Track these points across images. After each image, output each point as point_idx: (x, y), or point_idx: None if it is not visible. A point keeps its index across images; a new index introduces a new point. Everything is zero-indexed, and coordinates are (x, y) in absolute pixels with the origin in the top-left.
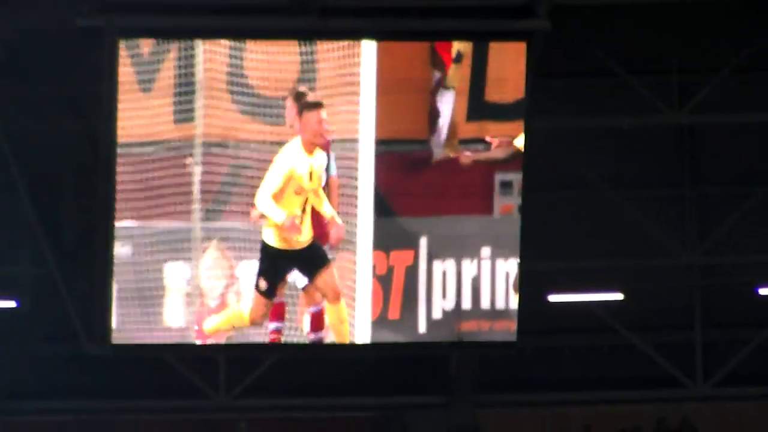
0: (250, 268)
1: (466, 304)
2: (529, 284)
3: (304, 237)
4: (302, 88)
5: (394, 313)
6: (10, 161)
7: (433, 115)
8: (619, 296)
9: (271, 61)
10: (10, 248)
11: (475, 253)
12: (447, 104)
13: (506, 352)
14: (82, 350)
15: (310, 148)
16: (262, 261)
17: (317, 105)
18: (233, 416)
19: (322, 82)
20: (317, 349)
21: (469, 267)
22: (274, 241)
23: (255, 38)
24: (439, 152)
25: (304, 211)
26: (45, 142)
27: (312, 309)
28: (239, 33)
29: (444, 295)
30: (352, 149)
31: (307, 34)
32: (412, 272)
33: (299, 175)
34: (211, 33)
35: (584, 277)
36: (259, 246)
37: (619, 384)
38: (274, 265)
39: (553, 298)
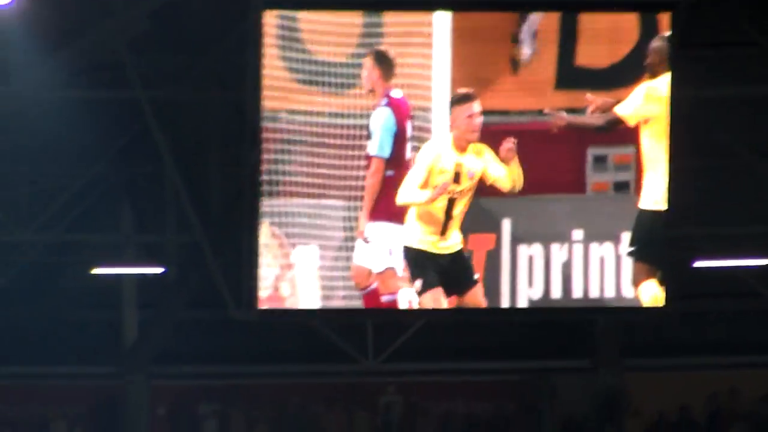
0: (306, 254)
1: (556, 292)
2: (675, 250)
3: (451, 242)
4: (381, 47)
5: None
6: (156, 130)
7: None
8: (765, 261)
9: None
10: (156, 216)
11: (565, 237)
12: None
13: (654, 317)
14: (229, 316)
15: (461, 144)
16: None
17: (468, 97)
18: (381, 380)
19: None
20: (465, 313)
21: (558, 252)
22: (416, 241)
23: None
24: (523, 119)
25: (450, 216)
26: (191, 112)
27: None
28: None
29: (530, 283)
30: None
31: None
32: (493, 257)
33: (445, 173)
34: (358, 4)
35: (730, 243)
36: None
37: (765, 348)
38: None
39: (699, 263)
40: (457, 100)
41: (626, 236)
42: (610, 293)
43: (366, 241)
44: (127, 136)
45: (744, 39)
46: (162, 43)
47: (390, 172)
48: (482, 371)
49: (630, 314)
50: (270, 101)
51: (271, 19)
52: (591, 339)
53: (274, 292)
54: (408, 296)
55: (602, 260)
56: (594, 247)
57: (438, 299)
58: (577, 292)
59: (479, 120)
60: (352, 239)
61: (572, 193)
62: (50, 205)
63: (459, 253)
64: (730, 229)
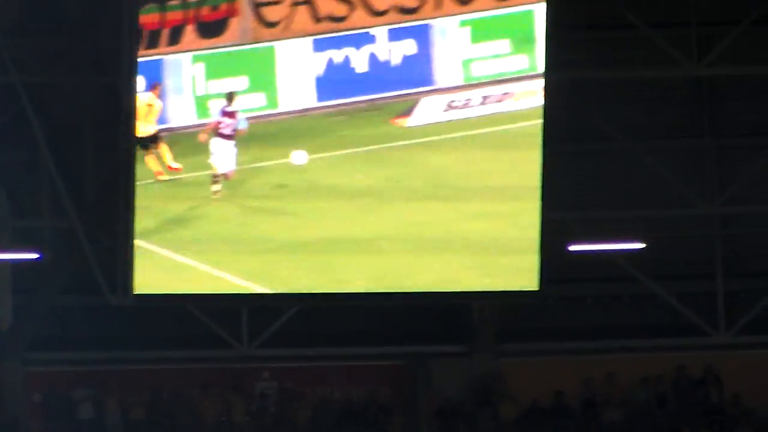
0: None
1: None
2: (551, 234)
3: None
4: None
5: None
6: (30, 115)
7: None
8: (640, 246)
9: None
10: (31, 201)
11: None
12: None
13: (529, 301)
14: (104, 301)
15: None
16: None
17: None
18: (257, 365)
19: None
20: (341, 298)
21: None
22: None
23: None
24: None
25: None
26: (65, 96)
27: None
28: None
29: None
30: None
31: None
32: None
33: None
34: None
35: (606, 227)
36: None
37: (641, 333)
38: None
39: (574, 247)
40: None
41: None
42: None
43: None
44: (1, 121)
45: (618, 22)
46: (36, 28)
47: None
48: (357, 356)
49: (505, 298)
50: None
51: None
52: (467, 324)
53: None
54: None
55: None
56: None
57: None
58: None
59: None
60: None
61: None
62: None
63: None
64: (605, 213)
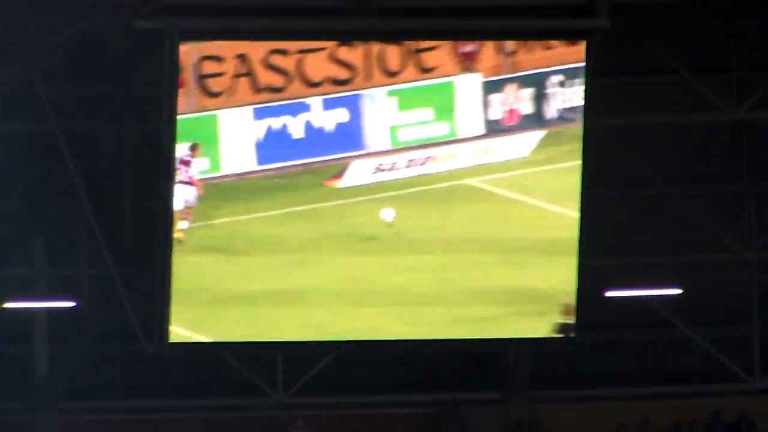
0: None
1: None
2: (587, 280)
3: None
4: None
5: None
6: (69, 161)
7: None
8: (676, 291)
9: None
10: (69, 249)
11: None
12: None
13: (565, 348)
14: (141, 350)
15: None
16: None
17: None
18: (291, 414)
19: None
20: (371, 345)
21: None
22: None
23: (313, 39)
24: None
25: None
26: (104, 143)
27: None
28: (297, 34)
29: None
30: None
31: (365, 35)
32: None
33: None
34: (268, 34)
35: (642, 272)
36: None
37: (676, 378)
38: None
39: (610, 293)
40: None
41: None
42: None
43: None
44: (40, 168)
45: (656, 66)
46: (76, 74)
47: None
48: (392, 404)
49: (541, 345)
50: None
51: None
52: (502, 371)
53: None
54: None
55: None
56: None
57: None
58: None
59: None
60: None
61: None
62: None
63: None
64: (642, 259)
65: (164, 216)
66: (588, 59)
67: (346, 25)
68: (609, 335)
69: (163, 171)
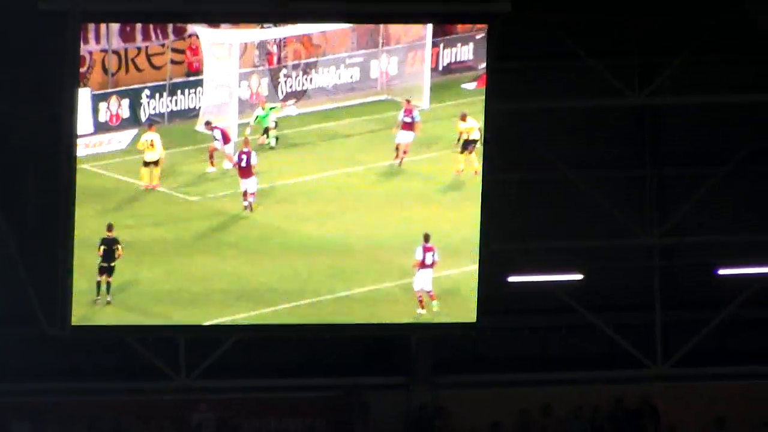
0: None
1: None
2: (489, 265)
3: None
4: None
5: None
6: None
7: None
8: (579, 277)
9: None
10: None
11: None
12: None
13: (467, 333)
14: (42, 332)
15: None
16: None
17: None
18: (194, 397)
19: None
20: (274, 329)
21: None
22: None
23: (217, 22)
24: None
25: None
26: (6, 126)
27: None
28: (202, 17)
29: None
30: None
31: (270, 18)
32: None
33: None
34: (174, 17)
35: (544, 257)
36: None
37: (578, 364)
38: None
39: (513, 278)
40: None
41: None
42: None
43: None
44: None
45: (560, 50)
46: None
47: None
48: (294, 388)
49: (443, 330)
50: None
51: None
52: (405, 355)
53: None
54: None
55: None
56: None
57: None
58: None
59: None
60: None
61: None
62: None
63: None
64: (544, 244)
65: (66, 197)
66: (489, 43)
67: (252, 8)
68: (511, 320)
69: (64, 152)
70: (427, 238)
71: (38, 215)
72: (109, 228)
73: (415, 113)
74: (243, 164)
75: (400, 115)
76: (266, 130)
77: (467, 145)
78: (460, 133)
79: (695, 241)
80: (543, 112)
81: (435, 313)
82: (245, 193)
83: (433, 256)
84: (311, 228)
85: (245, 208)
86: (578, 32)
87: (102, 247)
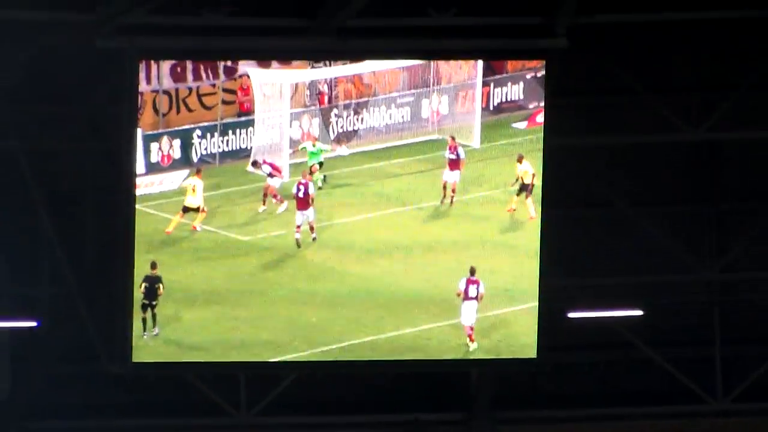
0: None
1: None
2: (549, 301)
3: None
4: None
5: None
6: (29, 180)
7: None
8: (638, 312)
9: None
10: (29, 268)
11: None
12: None
13: (527, 369)
14: (102, 370)
15: None
16: None
17: None
18: None
19: None
20: (336, 366)
21: None
22: None
23: (272, 59)
24: None
25: None
26: (64, 162)
27: None
28: (258, 54)
29: None
30: None
31: (324, 55)
32: None
33: None
34: (230, 54)
35: (604, 293)
36: None
37: (638, 400)
38: None
39: (573, 314)
40: None
41: None
42: None
43: None
44: (1, 187)
45: (617, 86)
46: (36, 94)
47: None
48: (354, 424)
49: (503, 366)
50: None
51: None
52: (465, 391)
53: None
54: None
55: None
56: None
57: None
58: None
59: None
60: None
61: None
62: None
63: None
64: (603, 280)
65: (126, 232)
66: (547, 78)
67: (306, 45)
68: (571, 356)
69: (124, 189)
70: (473, 271)
71: (95, 253)
72: (153, 266)
73: (460, 150)
74: (301, 195)
75: (446, 153)
76: (311, 169)
77: (524, 188)
78: (518, 177)
79: (754, 276)
80: (601, 148)
81: (471, 350)
82: (299, 227)
83: (477, 288)
84: (362, 268)
85: (297, 241)
86: (635, 67)
87: (144, 284)
